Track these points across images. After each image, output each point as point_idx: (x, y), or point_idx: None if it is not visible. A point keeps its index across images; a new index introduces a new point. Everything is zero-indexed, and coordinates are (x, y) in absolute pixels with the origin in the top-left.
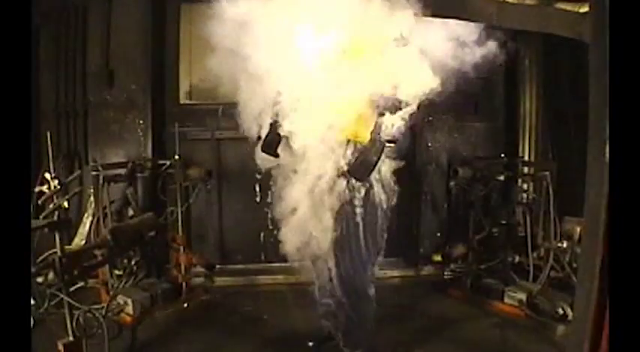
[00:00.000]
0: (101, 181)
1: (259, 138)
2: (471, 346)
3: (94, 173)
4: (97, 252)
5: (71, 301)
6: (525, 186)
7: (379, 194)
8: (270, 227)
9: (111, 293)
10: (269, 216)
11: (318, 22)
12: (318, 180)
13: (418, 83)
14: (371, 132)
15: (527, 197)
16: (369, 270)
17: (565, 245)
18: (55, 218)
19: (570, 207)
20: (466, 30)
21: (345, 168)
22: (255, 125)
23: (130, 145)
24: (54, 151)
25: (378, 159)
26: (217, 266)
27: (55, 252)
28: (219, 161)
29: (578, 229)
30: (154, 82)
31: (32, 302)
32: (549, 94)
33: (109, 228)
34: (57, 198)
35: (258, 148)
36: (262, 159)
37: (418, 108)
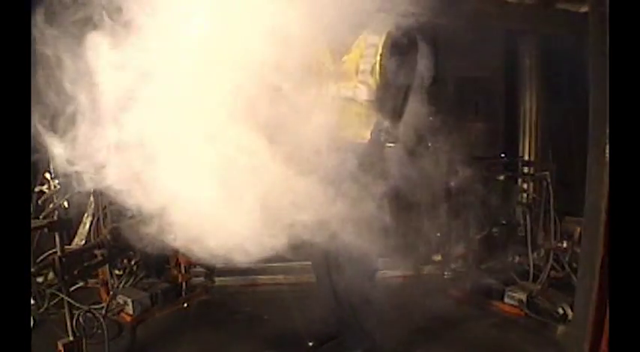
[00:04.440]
0: None
1: None
2: (471, 346)
3: None
4: (97, 252)
5: (71, 301)
6: (525, 186)
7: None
8: None
9: (111, 293)
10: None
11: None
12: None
13: None
14: (371, 133)
15: (527, 197)
16: (369, 270)
17: (565, 245)
18: (55, 218)
19: (570, 207)
20: None
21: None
22: None
23: None
24: None
25: (379, 160)
26: (217, 266)
27: (55, 252)
28: None
29: (578, 229)
30: None
31: (32, 302)
32: (549, 94)
33: (109, 227)
34: (57, 198)
35: None
36: None
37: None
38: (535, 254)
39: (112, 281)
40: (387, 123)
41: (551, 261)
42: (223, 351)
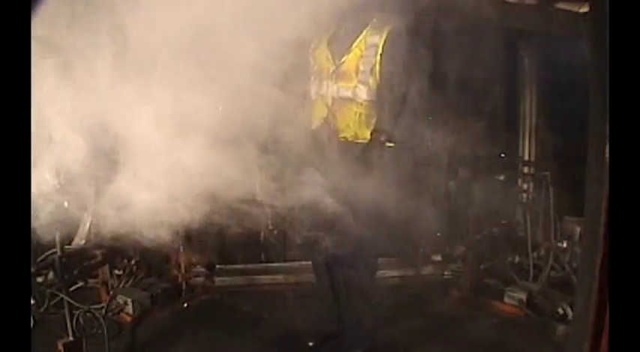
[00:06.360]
0: None
1: None
2: (471, 346)
3: None
4: (97, 252)
5: (71, 301)
6: (525, 186)
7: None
8: (270, 227)
9: (111, 293)
10: (269, 216)
11: None
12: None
13: None
14: (371, 133)
15: (527, 197)
16: (370, 270)
17: (565, 245)
18: (55, 218)
19: (570, 207)
20: None
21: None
22: None
23: None
24: None
25: (379, 160)
26: (217, 266)
27: (55, 252)
28: None
29: (578, 229)
30: None
31: (32, 302)
32: (549, 94)
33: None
34: (57, 198)
35: None
36: None
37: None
38: (535, 254)
39: (112, 281)
40: (386, 123)
41: (551, 260)
42: (223, 351)
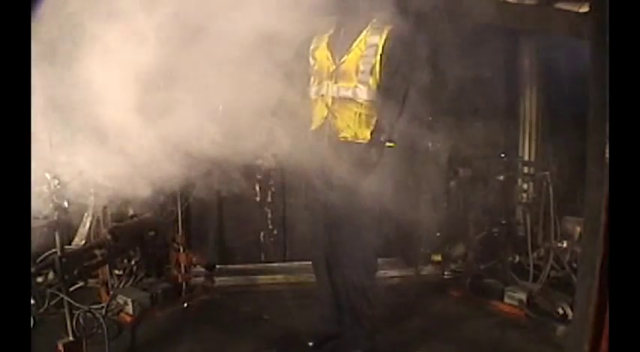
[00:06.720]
0: None
1: None
2: (471, 346)
3: None
4: (97, 252)
5: (71, 301)
6: (525, 186)
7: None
8: (270, 227)
9: (111, 293)
10: (269, 216)
11: None
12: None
13: None
14: (371, 133)
15: (527, 197)
16: (369, 270)
17: (565, 245)
18: (55, 218)
19: (570, 207)
20: None
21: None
22: None
23: None
24: None
25: (379, 159)
26: (217, 266)
27: (55, 252)
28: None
29: (578, 229)
30: None
31: (32, 302)
32: (549, 94)
33: (109, 228)
34: (57, 198)
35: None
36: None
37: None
38: (535, 254)
39: (112, 281)
40: (386, 123)
41: (551, 260)
42: (223, 351)
